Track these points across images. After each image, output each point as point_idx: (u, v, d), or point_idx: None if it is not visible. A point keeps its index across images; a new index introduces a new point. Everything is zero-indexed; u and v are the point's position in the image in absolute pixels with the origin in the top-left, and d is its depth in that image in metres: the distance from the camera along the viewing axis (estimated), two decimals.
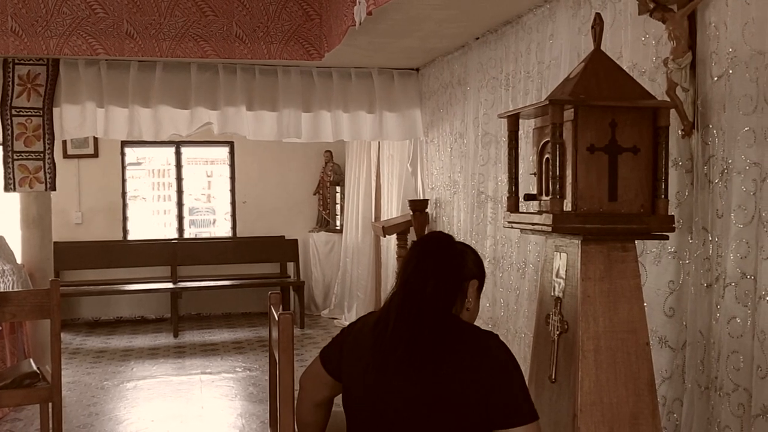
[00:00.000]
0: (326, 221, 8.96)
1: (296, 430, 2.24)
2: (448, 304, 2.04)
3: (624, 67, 2.94)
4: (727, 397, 2.74)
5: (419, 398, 1.93)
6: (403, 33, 5.06)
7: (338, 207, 8.88)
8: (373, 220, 7.79)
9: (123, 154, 8.61)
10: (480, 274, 2.17)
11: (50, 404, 3.75)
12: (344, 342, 2.17)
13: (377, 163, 7.73)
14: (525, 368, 2.39)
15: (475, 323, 2.14)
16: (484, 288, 2.21)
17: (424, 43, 5.39)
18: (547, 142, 2.55)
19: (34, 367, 3.89)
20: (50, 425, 3.76)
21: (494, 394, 1.90)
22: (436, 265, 2.06)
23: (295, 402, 2.24)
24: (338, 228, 8.80)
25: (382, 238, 7.16)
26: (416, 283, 2.03)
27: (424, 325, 1.97)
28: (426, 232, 6.03)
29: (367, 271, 7.90)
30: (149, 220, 9.01)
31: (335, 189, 8.88)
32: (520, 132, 2.97)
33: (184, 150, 8.79)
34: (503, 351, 1.99)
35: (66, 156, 8.18)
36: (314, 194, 9.04)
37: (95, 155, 8.44)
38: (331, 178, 8.87)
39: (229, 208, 9.00)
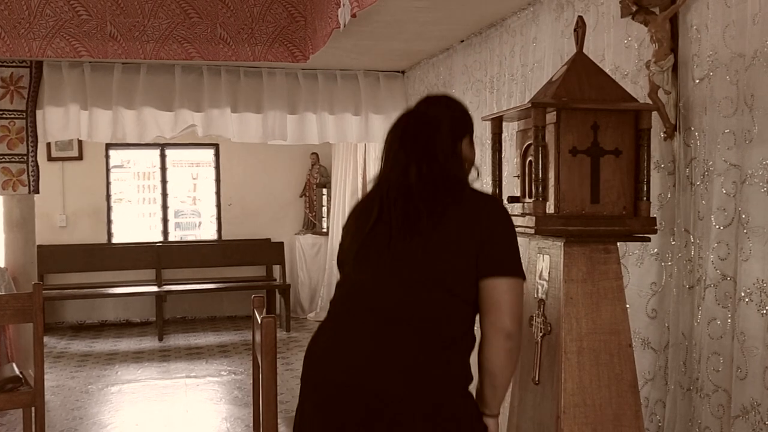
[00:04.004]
0: (312, 223, 8.95)
1: None
2: (453, 177, 2.04)
3: (606, 70, 2.96)
4: (708, 399, 2.76)
5: (419, 249, 1.94)
6: (388, 35, 5.06)
7: (325, 209, 8.86)
8: None
9: (107, 157, 8.56)
10: (468, 127, 2.18)
11: (33, 409, 3.72)
12: (345, 227, 2.16)
13: (364, 165, 7.74)
14: None
15: None
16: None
17: (409, 45, 5.39)
18: (530, 145, 2.56)
19: (17, 372, 3.87)
20: (33, 430, 3.73)
21: (485, 245, 1.94)
22: (422, 146, 2.05)
23: None
24: (324, 230, 8.78)
25: None
26: (405, 171, 2.02)
27: (435, 205, 1.97)
28: None
29: None
30: (134, 223, 8.96)
31: (321, 191, 8.86)
32: (504, 134, 2.98)
33: (168, 152, 8.75)
34: (501, 211, 2.06)
35: (50, 159, 8.12)
36: (300, 196, 9.02)
37: (79, 158, 8.39)
38: (317, 180, 8.85)
39: (214, 211, 8.97)
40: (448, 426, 1.88)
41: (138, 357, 6.98)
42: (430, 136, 2.06)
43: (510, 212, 2.77)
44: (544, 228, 2.47)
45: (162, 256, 8.44)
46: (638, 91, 3.08)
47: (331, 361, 1.92)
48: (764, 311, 2.51)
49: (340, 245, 2.13)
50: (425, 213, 1.95)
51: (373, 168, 7.41)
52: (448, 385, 1.91)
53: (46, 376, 3.84)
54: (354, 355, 1.89)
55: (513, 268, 1.97)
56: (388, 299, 1.92)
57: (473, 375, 1.99)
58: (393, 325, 1.89)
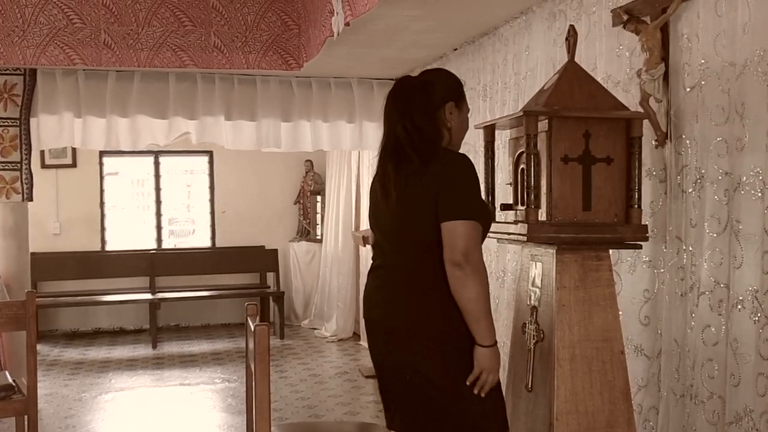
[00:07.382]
0: (307, 231, 8.95)
1: None
2: (425, 136, 2.35)
3: (598, 79, 2.98)
4: (702, 405, 2.77)
5: (400, 212, 2.35)
6: (382, 43, 5.08)
7: (319, 216, 8.86)
8: (353, 230, 7.79)
9: (101, 164, 8.56)
10: (453, 94, 2.44)
11: (26, 417, 3.71)
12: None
13: (357, 172, 7.74)
14: (502, 377, 2.41)
15: None
16: (467, 104, 2.53)
17: (402, 53, 5.41)
18: (522, 153, 2.58)
19: (10, 380, 3.85)
20: None
21: (440, 195, 2.27)
22: (404, 107, 2.40)
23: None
24: (318, 238, 8.78)
25: (362, 247, 7.16)
26: (393, 129, 2.40)
27: (411, 160, 2.33)
28: None
29: (348, 280, 7.89)
30: (128, 231, 8.94)
31: (316, 198, 8.86)
32: (497, 142, 3.00)
33: (162, 160, 8.75)
34: (463, 164, 2.33)
35: (44, 166, 8.11)
36: (295, 204, 9.03)
37: (73, 165, 8.38)
38: (311, 187, 8.86)
39: (208, 218, 8.96)
40: (428, 344, 2.32)
41: (131, 365, 6.96)
42: (408, 100, 2.40)
43: (504, 220, 2.81)
44: (536, 235, 2.48)
45: (156, 264, 8.43)
46: (629, 99, 3.10)
47: (367, 305, 2.54)
48: (756, 318, 2.53)
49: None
50: (402, 174, 2.33)
51: (368, 175, 7.42)
52: (430, 316, 2.33)
53: (39, 384, 3.83)
54: (375, 301, 2.48)
55: (463, 211, 2.26)
56: (387, 256, 2.43)
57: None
58: (391, 276, 2.42)
